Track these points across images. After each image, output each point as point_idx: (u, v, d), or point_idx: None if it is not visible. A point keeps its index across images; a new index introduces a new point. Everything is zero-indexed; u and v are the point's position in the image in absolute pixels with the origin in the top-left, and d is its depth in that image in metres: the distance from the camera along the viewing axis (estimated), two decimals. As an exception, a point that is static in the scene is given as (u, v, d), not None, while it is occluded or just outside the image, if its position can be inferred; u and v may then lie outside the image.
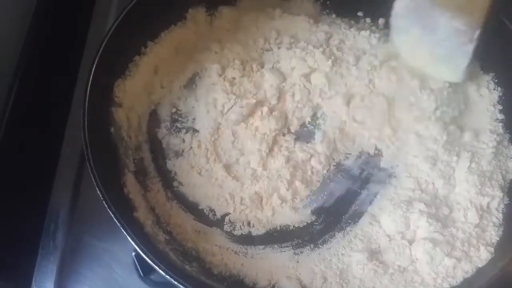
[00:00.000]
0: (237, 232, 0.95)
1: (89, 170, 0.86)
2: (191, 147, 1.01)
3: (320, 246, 0.95)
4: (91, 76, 0.92)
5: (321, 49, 1.05)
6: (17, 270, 1.00)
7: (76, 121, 1.03)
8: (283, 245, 0.95)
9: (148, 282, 0.96)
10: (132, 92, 1.01)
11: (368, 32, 1.08)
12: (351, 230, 0.96)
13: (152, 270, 0.91)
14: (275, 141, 1.01)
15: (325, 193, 0.99)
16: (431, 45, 0.96)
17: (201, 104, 1.04)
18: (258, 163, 0.99)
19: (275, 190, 0.97)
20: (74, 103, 1.08)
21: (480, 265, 0.90)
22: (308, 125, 1.04)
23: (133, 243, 0.83)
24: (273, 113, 1.02)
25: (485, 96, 1.04)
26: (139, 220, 0.91)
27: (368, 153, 1.03)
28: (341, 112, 1.03)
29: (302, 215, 0.97)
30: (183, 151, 1.01)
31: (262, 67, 1.06)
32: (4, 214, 0.98)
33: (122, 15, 0.96)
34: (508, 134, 1.01)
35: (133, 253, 0.96)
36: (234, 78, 1.04)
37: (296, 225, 0.97)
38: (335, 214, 0.98)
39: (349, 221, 0.97)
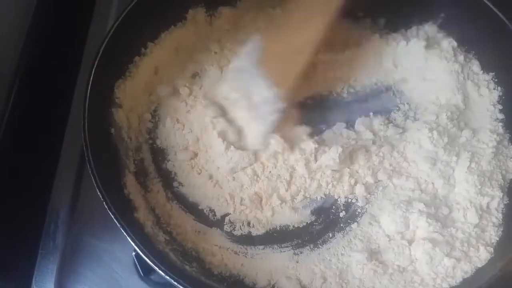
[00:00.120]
0: (237, 232, 0.95)
1: (89, 171, 0.86)
2: (191, 147, 1.01)
3: (320, 246, 0.95)
4: (91, 77, 0.92)
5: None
6: (17, 270, 1.00)
7: (76, 121, 1.03)
8: (282, 245, 0.95)
9: (148, 282, 0.96)
10: (132, 92, 1.01)
11: (369, 32, 1.09)
12: (350, 230, 0.96)
13: (152, 270, 0.91)
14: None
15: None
16: (248, 103, 0.97)
17: (201, 104, 1.04)
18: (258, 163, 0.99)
19: (275, 190, 0.97)
20: (74, 103, 1.08)
21: (479, 265, 0.90)
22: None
23: (133, 243, 0.83)
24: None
25: (485, 96, 1.04)
26: (139, 220, 0.91)
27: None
28: None
29: (301, 215, 0.97)
30: (183, 151, 1.01)
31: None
32: (4, 214, 0.98)
33: (122, 15, 0.96)
34: (508, 134, 1.01)
35: (133, 253, 0.96)
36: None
37: (296, 225, 0.97)
38: (335, 214, 0.98)
39: (348, 221, 0.97)
